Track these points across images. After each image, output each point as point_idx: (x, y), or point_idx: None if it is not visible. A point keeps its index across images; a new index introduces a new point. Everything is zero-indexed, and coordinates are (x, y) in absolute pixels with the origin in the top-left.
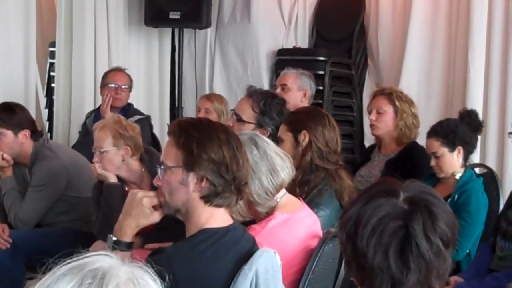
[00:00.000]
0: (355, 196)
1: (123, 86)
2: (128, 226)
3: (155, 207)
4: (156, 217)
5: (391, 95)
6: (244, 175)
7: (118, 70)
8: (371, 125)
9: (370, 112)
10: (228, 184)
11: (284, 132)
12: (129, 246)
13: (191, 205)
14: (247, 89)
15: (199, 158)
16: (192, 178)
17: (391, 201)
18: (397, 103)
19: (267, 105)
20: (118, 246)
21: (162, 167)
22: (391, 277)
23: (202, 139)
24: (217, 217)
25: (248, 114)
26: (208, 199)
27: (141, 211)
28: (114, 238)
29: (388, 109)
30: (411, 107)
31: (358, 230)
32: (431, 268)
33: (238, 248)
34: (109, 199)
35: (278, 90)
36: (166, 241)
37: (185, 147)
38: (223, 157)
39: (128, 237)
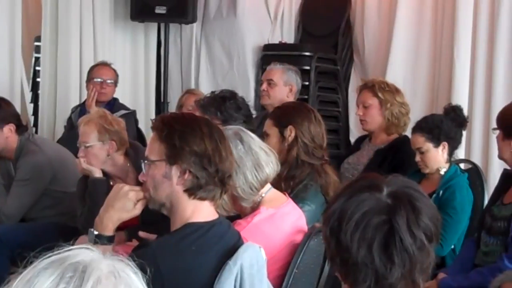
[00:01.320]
0: (338, 191)
1: (108, 81)
2: (110, 220)
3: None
4: (137, 210)
5: (374, 87)
6: (228, 167)
7: (104, 64)
8: (361, 121)
9: (357, 108)
10: (211, 176)
11: (270, 127)
12: (110, 239)
13: (175, 199)
14: (197, 106)
15: (181, 150)
16: (175, 171)
17: (375, 196)
18: (379, 94)
19: (224, 111)
20: (99, 240)
21: (146, 161)
22: (375, 271)
23: (184, 132)
24: (202, 211)
25: None
26: (191, 191)
27: (124, 205)
28: (96, 232)
29: (373, 102)
30: (396, 96)
31: (342, 225)
32: (415, 263)
33: (223, 243)
34: (94, 194)
35: (264, 86)
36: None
37: (167, 140)
38: (205, 149)
39: (109, 230)
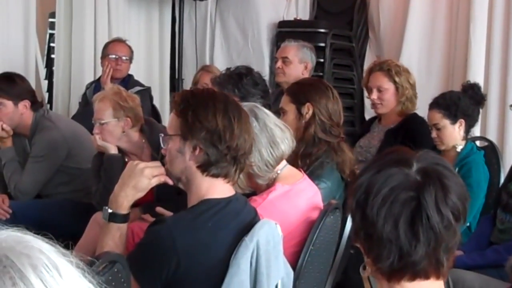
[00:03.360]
0: (367, 164)
1: (123, 57)
2: (125, 198)
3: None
4: (153, 182)
5: (390, 71)
6: (241, 145)
7: (119, 41)
8: (374, 104)
9: (369, 91)
10: (223, 153)
11: (287, 104)
12: (125, 218)
13: (190, 174)
14: (213, 84)
15: (193, 126)
16: (188, 147)
17: (404, 171)
18: (397, 79)
19: (241, 87)
20: (114, 218)
21: (164, 136)
22: (400, 248)
23: (197, 107)
24: (217, 188)
25: None
26: (203, 168)
27: (139, 182)
28: (110, 211)
29: (389, 87)
30: (409, 79)
31: (368, 199)
32: (441, 241)
33: (239, 220)
34: (109, 170)
35: (279, 63)
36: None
37: (182, 115)
38: (216, 126)
39: (124, 208)
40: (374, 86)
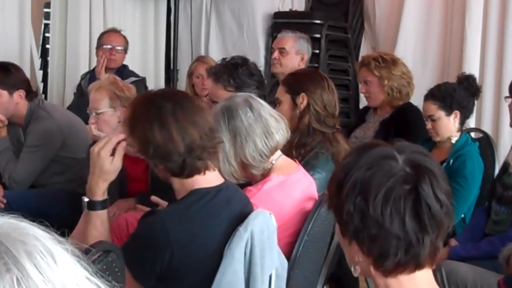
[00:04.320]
0: (350, 163)
1: (117, 47)
2: (95, 185)
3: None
4: (117, 163)
5: (370, 64)
6: (193, 141)
7: (114, 31)
8: (365, 98)
9: (360, 85)
10: (180, 161)
11: (282, 94)
12: (102, 204)
13: (170, 180)
14: (209, 74)
15: (142, 147)
16: (152, 164)
17: (394, 166)
18: (375, 72)
19: (237, 78)
20: (91, 206)
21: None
22: (409, 242)
23: (136, 127)
24: (204, 178)
25: (226, 96)
26: (176, 175)
27: (101, 166)
28: (86, 199)
29: (373, 79)
30: (393, 70)
31: (369, 200)
32: (441, 228)
33: (231, 207)
34: None
35: (276, 54)
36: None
37: (132, 137)
38: (156, 141)
39: (99, 195)
40: (361, 80)
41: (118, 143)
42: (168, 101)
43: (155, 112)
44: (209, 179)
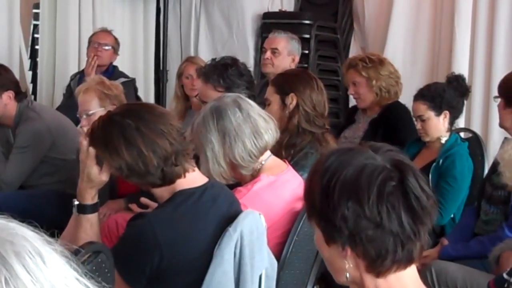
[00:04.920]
0: (330, 168)
1: (104, 46)
2: (84, 190)
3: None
4: (103, 176)
5: (357, 66)
6: (164, 151)
7: (102, 30)
8: (355, 99)
9: (348, 87)
10: (158, 171)
11: (271, 94)
12: (93, 208)
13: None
14: (198, 74)
15: (117, 169)
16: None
17: (376, 165)
18: (363, 73)
19: (226, 78)
20: (81, 210)
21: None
22: (406, 237)
23: (104, 151)
24: (185, 181)
25: (216, 96)
26: (158, 186)
27: (89, 174)
28: (76, 202)
29: (361, 80)
30: (380, 70)
31: (363, 203)
32: (431, 219)
33: (217, 206)
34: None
35: (268, 54)
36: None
37: (104, 160)
38: (126, 161)
39: (88, 200)
40: (349, 82)
41: None
42: (129, 118)
43: (119, 133)
44: (192, 179)
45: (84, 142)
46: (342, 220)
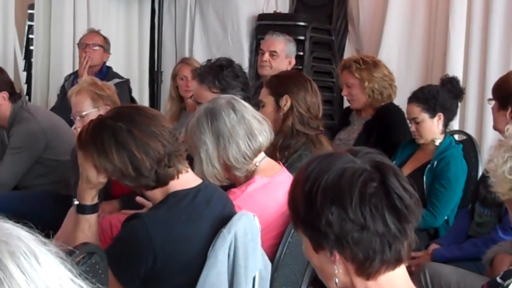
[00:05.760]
0: (311, 175)
1: (93, 46)
2: (84, 191)
3: None
4: (101, 178)
5: (351, 67)
6: (157, 153)
7: (90, 31)
8: (348, 100)
9: (342, 88)
10: (152, 173)
11: (265, 96)
12: (93, 208)
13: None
14: (194, 75)
15: (113, 173)
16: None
17: (356, 167)
18: (356, 74)
19: (222, 79)
20: (80, 210)
21: None
22: (392, 237)
23: (98, 157)
24: (178, 182)
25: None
26: (152, 188)
27: (87, 175)
28: (76, 202)
29: (354, 81)
30: (374, 72)
31: (346, 206)
32: (415, 218)
33: (211, 207)
34: None
35: (267, 56)
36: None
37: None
38: (118, 166)
39: (87, 200)
40: (343, 83)
41: None
42: (121, 121)
43: (111, 137)
44: (185, 181)
45: None
46: (327, 225)
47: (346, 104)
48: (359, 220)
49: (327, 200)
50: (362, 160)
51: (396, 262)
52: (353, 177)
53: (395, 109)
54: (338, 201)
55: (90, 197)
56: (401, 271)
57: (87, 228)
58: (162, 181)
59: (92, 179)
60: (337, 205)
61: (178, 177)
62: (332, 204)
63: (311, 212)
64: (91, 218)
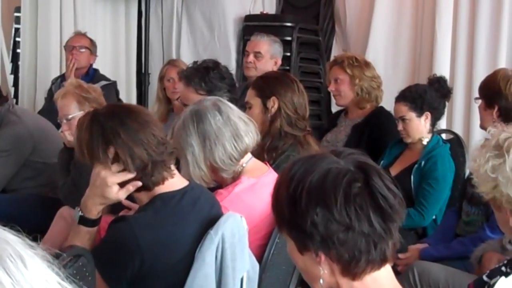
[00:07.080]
0: (295, 176)
1: (79, 48)
2: (93, 205)
3: (121, 184)
4: (121, 195)
5: (343, 63)
6: (140, 163)
7: (76, 33)
8: (334, 96)
9: (329, 83)
10: (143, 173)
11: (252, 97)
12: (94, 223)
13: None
14: (180, 77)
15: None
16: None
17: (340, 168)
18: (348, 70)
19: (208, 81)
20: (83, 222)
21: None
22: (378, 236)
23: (91, 155)
24: (167, 183)
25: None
26: (145, 191)
27: (106, 192)
28: (81, 213)
29: (344, 77)
30: (365, 71)
31: (330, 205)
32: (399, 217)
33: (198, 209)
34: (79, 164)
35: (251, 57)
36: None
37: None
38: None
39: (93, 215)
40: (331, 78)
41: (131, 180)
42: (112, 122)
43: (100, 134)
44: (172, 184)
45: (72, 139)
46: (312, 226)
47: (333, 104)
48: (344, 221)
49: (312, 201)
50: (346, 161)
51: (382, 262)
52: (338, 178)
53: (386, 114)
54: (323, 202)
55: (96, 212)
56: (386, 271)
57: (86, 240)
58: (146, 187)
59: (109, 195)
60: (322, 206)
61: (163, 183)
62: (317, 205)
63: (296, 214)
64: (93, 230)
